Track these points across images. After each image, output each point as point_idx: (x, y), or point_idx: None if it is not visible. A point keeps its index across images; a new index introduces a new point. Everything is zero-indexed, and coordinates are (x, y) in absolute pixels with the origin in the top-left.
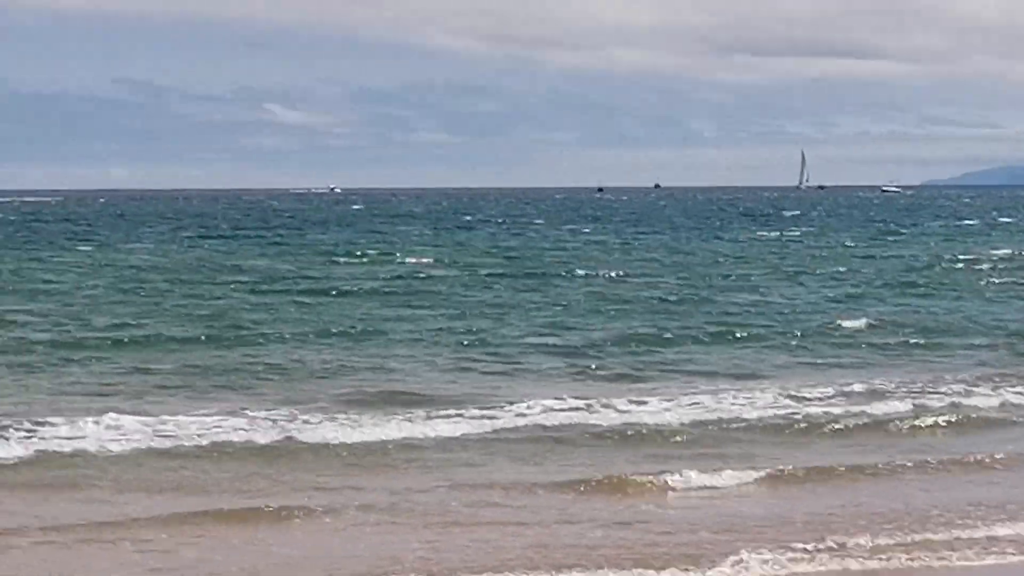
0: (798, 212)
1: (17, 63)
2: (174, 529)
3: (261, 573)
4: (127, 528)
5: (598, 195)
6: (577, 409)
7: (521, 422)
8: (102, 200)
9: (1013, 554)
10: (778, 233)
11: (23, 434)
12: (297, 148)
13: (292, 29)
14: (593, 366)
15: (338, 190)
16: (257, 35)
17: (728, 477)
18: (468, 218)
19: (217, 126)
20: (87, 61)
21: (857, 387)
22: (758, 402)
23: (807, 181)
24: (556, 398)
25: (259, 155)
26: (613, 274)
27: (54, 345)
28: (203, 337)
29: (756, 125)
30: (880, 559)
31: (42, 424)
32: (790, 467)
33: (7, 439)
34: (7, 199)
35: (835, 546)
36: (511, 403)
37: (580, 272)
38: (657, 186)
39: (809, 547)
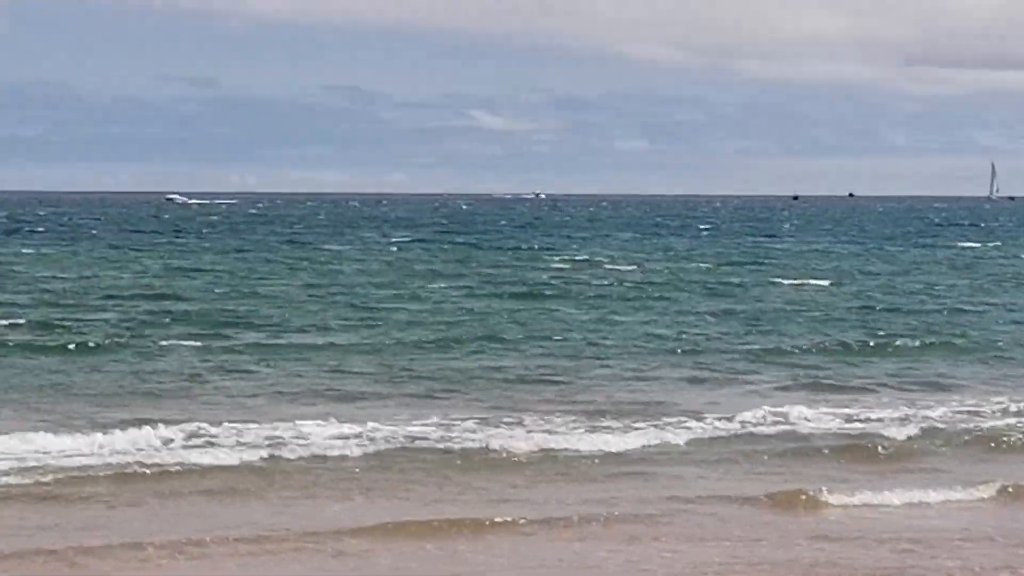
0: (994, 223)
1: (229, 69)
2: (371, 536)
3: None
4: (323, 535)
5: (794, 203)
6: (778, 418)
7: (723, 431)
8: (310, 203)
9: None
10: (977, 244)
11: (224, 440)
12: (500, 154)
13: (499, 38)
14: (797, 374)
15: (543, 195)
16: (465, 43)
17: (936, 493)
18: (669, 224)
19: (423, 131)
20: (298, 67)
21: None
22: (964, 414)
23: (997, 192)
24: (760, 407)
25: (463, 160)
26: (813, 282)
27: (259, 348)
28: (407, 341)
29: (946, 136)
30: None
31: (244, 430)
32: (1000, 483)
33: (212, 444)
34: (208, 200)
35: None
36: (715, 412)
37: (781, 280)
38: (851, 195)
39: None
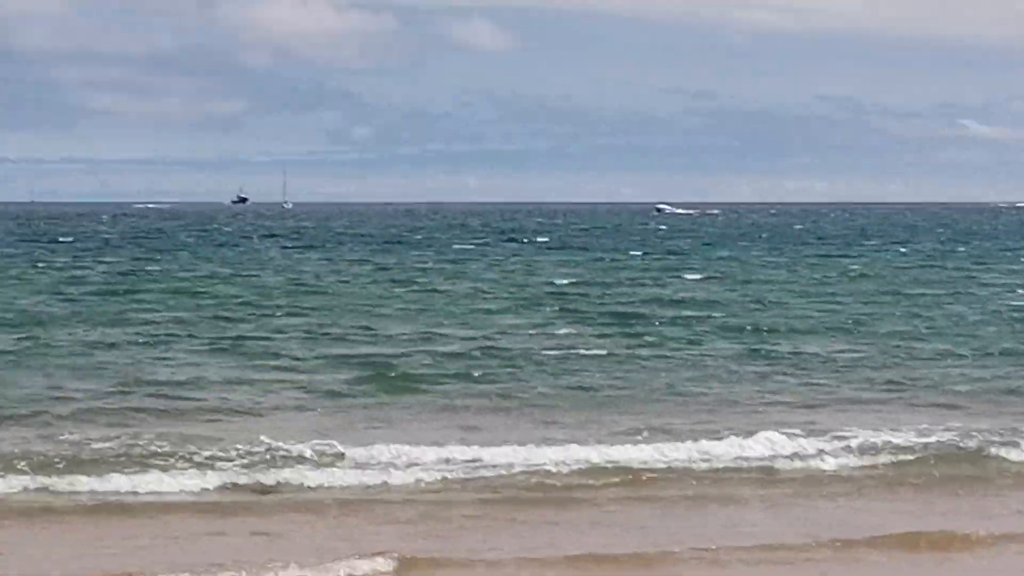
0: None
1: (727, 82)
2: (866, 546)
3: None
4: (817, 545)
5: None
6: None
7: None
8: (772, 212)
9: None
10: None
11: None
12: (991, 163)
13: (995, 46)
14: None
15: None
16: (960, 52)
17: None
18: None
19: (914, 141)
20: (792, 78)
21: None
22: None
23: None
24: None
25: (954, 169)
26: None
27: (784, 357)
28: (905, 349)
29: None
30: None
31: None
32: None
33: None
34: (695, 210)
35: None
36: None
37: None
38: None
39: None
